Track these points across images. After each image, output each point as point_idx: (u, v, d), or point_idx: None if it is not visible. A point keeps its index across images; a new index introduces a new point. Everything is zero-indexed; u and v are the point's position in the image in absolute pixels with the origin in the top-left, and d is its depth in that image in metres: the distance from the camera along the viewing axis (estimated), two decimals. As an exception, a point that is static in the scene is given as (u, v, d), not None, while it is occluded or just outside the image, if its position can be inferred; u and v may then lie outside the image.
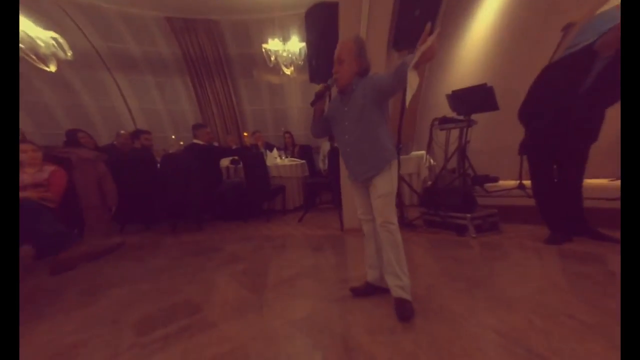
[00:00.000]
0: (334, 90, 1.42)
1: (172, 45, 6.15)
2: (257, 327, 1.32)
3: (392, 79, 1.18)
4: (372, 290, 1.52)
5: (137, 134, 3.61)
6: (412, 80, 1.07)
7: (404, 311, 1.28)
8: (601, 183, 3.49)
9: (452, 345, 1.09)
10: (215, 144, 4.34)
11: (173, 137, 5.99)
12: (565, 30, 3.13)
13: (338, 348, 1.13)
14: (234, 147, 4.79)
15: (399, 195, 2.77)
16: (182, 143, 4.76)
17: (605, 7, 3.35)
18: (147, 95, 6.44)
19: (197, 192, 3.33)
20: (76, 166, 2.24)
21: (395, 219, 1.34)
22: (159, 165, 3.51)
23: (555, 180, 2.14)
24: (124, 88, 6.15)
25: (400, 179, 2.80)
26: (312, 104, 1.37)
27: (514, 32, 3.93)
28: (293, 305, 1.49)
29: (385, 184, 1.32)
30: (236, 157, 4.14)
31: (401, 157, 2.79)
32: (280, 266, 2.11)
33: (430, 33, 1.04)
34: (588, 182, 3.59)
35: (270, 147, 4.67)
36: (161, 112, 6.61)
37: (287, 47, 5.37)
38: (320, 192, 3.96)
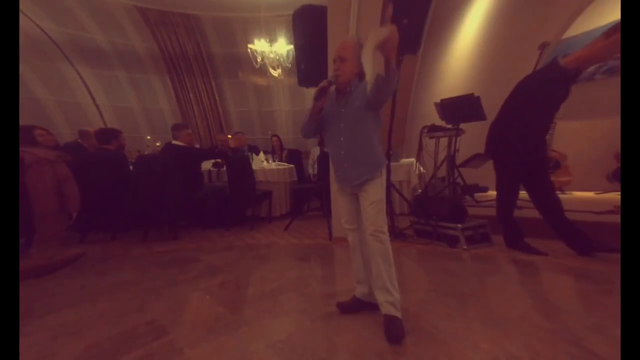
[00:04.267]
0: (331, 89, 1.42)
1: (147, 39, 5.68)
2: (231, 352, 1.18)
3: (373, 92, 1.22)
4: (360, 306, 1.47)
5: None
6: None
7: (394, 331, 1.22)
8: (587, 196, 3.57)
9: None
10: (197, 146, 4.11)
11: (148, 137, 5.59)
12: (541, 48, 3.28)
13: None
14: (219, 148, 4.57)
15: (390, 203, 2.70)
16: (158, 144, 4.45)
17: (573, 31, 3.70)
18: (119, 92, 5.94)
19: (173, 197, 3.09)
20: (30, 167, 1.96)
21: (386, 228, 1.31)
22: (131, 167, 3.24)
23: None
24: (91, 83, 5.61)
25: (391, 186, 2.73)
26: (316, 98, 1.32)
27: (497, 45, 4.06)
28: (274, 323, 1.41)
29: (377, 191, 1.31)
30: (219, 160, 3.93)
31: (392, 164, 2.74)
32: (262, 278, 1.99)
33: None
34: (576, 194, 3.68)
35: (254, 150, 4.49)
36: (135, 111, 6.15)
37: (274, 48, 5.22)
38: (309, 198, 3.80)
